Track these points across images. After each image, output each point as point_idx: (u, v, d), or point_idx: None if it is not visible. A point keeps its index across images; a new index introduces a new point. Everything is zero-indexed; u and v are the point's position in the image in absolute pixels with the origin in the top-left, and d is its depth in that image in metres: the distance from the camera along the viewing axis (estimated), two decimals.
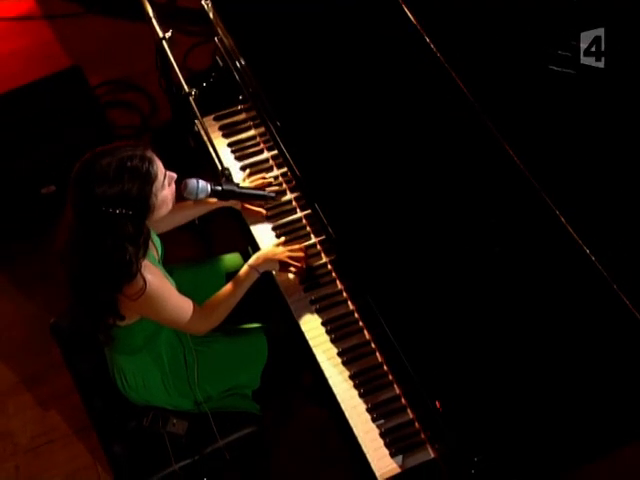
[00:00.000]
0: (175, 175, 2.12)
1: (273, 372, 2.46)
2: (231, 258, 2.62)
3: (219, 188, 2.23)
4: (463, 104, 2.34)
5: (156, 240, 2.32)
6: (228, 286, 2.33)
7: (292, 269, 2.37)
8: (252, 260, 2.35)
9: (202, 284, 2.48)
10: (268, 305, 2.51)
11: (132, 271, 2.04)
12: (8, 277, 3.17)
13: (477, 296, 2.16)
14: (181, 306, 2.21)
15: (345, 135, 2.43)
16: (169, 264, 2.43)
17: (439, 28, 2.45)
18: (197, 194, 2.20)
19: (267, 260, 2.35)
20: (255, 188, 2.40)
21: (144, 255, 2.08)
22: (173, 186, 2.12)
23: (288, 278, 2.41)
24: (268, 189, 2.43)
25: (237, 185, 2.30)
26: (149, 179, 2.02)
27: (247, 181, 2.46)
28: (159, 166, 2.07)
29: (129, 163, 1.99)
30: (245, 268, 2.34)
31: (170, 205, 2.12)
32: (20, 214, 3.08)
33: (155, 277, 2.11)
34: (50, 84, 3.17)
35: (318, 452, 2.83)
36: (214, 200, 2.44)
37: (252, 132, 2.66)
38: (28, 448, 2.89)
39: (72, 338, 2.55)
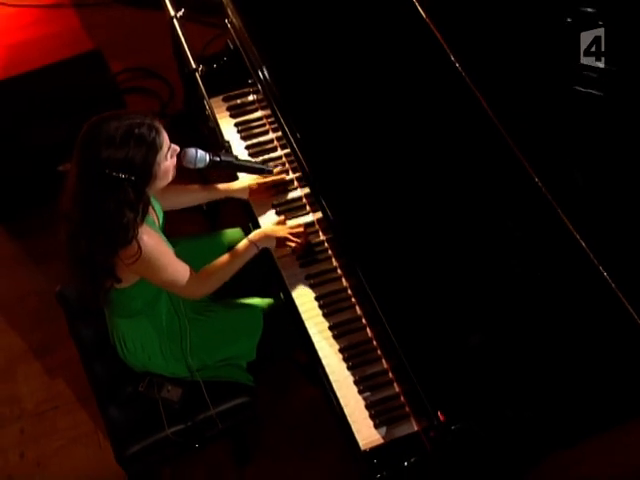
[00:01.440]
0: (178, 148, 2.14)
1: (268, 346, 2.47)
2: (233, 233, 2.63)
3: (217, 159, 2.25)
4: (476, 110, 2.32)
5: (157, 207, 2.33)
6: (226, 256, 2.35)
7: (291, 245, 2.37)
8: (252, 235, 2.36)
9: (203, 255, 2.47)
10: (266, 281, 2.52)
11: (128, 236, 2.06)
12: (24, 250, 3.22)
13: (465, 281, 2.15)
14: (177, 269, 2.22)
15: (350, 121, 2.42)
16: (172, 237, 2.45)
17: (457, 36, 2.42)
18: (196, 163, 2.22)
19: (267, 237, 2.36)
20: (253, 161, 2.42)
21: (142, 221, 2.10)
22: (175, 159, 2.14)
23: (286, 254, 2.42)
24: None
25: (236, 157, 2.32)
26: (154, 148, 2.04)
27: (246, 155, 2.47)
28: (165, 137, 2.09)
29: (137, 130, 2.01)
30: (245, 242, 2.36)
31: (170, 177, 2.14)
32: (37, 189, 3.13)
33: (151, 238, 2.13)
34: (71, 66, 3.23)
35: (312, 432, 2.83)
36: (223, 187, 2.47)
37: (259, 114, 2.68)
38: (34, 413, 2.92)
39: (77, 305, 2.59)
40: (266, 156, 2.57)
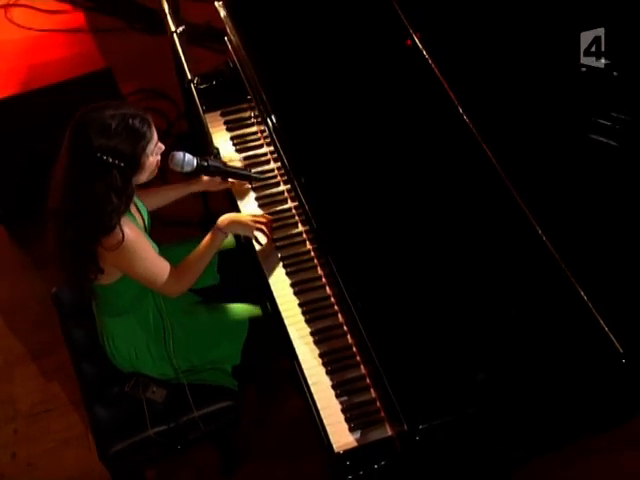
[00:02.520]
0: (163, 147, 2.19)
1: (253, 352, 2.48)
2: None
3: (205, 163, 2.29)
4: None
5: (143, 210, 2.37)
6: (198, 249, 2.36)
7: (258, 226, 2.37)
8: (218, 221, 2.36)
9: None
10: (253, 290, 2.54)
11: (112, 223, 2.10)
12: (27, 255, 3.28)
13: (442, 296, 2.15)
14: (157, 264, 2.25)
15: (341, 137, 2.44)
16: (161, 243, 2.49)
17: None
18: (183, 166, 2.26)
19: (232, 222, 2.36)
20: (241, 168, 2.45)
21: (124, 211, 2.14)
22: (159, 157, 2.19)
23: (272, 260, 2.44)
24: None
25: (224, 163, 2.36)
26: (145, 139, 2.10)
27: (234, 162, 2.51)
28: (154, 131, 2.15)
29: (130, 120, 2.07)
30: (211, 230, 2.36)
31: (153, 173, 2.19)
32: (42, 198, 3.18)
33: (133, 232, 2.16)
34: (83, 83, 3.31)
35: (299, 442, 2.82)
36: (194, 183, 2.51)
37: (254, 128, 2.73)
38: (27, 414, 2.95)
39: (70, 307, 2.62)
40: (259, 168, 2.61)
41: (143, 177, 2.19)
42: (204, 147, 2.62)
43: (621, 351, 1.98)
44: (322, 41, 2.66)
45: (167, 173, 2.59)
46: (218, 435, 2.55)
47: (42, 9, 4.13)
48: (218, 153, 2.36)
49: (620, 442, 2.71)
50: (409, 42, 2.50)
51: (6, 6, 4.12)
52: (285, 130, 2.43)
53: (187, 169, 2.27)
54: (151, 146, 2.14)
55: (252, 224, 2.36)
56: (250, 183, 2.47)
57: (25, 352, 3.08)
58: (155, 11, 3.77)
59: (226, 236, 2.37)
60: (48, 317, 3.06)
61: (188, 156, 2.26)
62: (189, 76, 2.45)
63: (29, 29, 4.06)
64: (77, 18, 4.13)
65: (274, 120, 2.45)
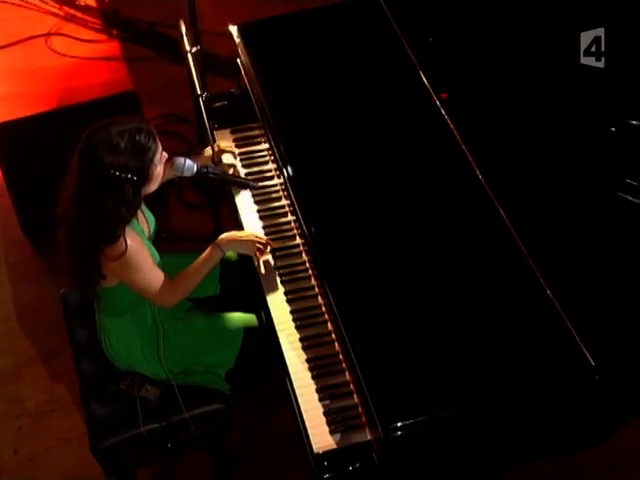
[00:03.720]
0: (167, 155, 2.26)
1: (246, 359, 2.51)
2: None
3: (205, 169, 2.35)
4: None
5: (150, 218, 2.43)
6: (195, 263, 2.39)
7: (257, 246, 2.40)
8: (218, 238, 2.40)
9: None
10: (250, 300, 2.57)
11: (117, 234, 2.16)
12: (45, 264, 3.35)
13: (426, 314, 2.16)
14: (153, 275, 2.28)
15: (342, 160, 2.49)
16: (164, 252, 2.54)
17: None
18: (183, 171, 2.33)
19: (231, 240, 2.39)
20: (239, 176, 2.51)
21: (129, 221, 2.20)
22: (162, 166, 2.25)
23: (268, 269, 2.48)
24: None
25: (223, 171, 2.42)
26: (152, 151, 2.16)
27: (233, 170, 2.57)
28: (158, 143, 2.21)
29: (137, 136, 2.13)
30: (210, 246, 2.39)
31: (159, 182, 2.25)
32: None
33: (135, 244, 2.21)
34: (108, 103, 3.42)
35: (291, 454, 2.81)
36: None
37: (261, 146, 2.80)
38: (33, 413, 2.99)
39: (75, 307, 2.69)
40: (263, 183, 2.67)
41: (151, 187, 2.25)
42: None
43: (593, 364, 1.97)
44: (335, 84, 2.70)
45: None
46: (209, 438, 2.56)
47: (80, 38, 4.33)
48: (219, 161, 2.42)
49: None
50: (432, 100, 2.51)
51: (47, 35, 4.33)
52: (292, 161, 2.48)
53: (187, 174, 2.33)
54: (157, 156, 2.20)
55: (251, 244, 2.39)
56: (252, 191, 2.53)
57: (35, 354, 3.14)
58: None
59: (223, 253, 2.39)
60: (60, 322, 3.12)
61: (188, 162, 2.32)
62: (199, 91, 2.54)
63: (67, 56, 4.26)
64: (112, 47, 4.32)
65: (282, 149, 2.50)
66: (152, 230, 2.43)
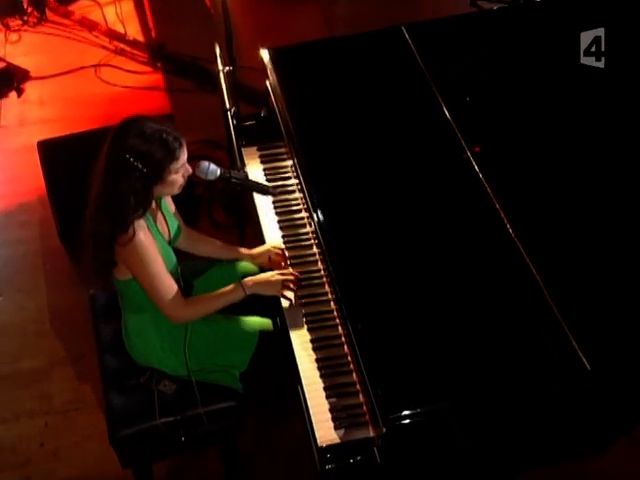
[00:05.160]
0: (191, 170, 2.32)
1: (260, 361, 2.55)
2: (245, 265, 2.70)
3: (227, 174, 2.44)
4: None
5: (172, 224, 2.49)
6: (215, 292, 2.44)
7: (287, 286, 2.43)
8: (245, 279, 2.44)
9: (214, 279, 2.63)
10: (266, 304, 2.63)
11: (127, 221, 2.21)
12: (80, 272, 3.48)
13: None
14: (162, 279, 2.31)
15: (362, 179, 2.55)
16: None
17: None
18: (207, 174, 2.41)
19: (256, 283, 2.44)
20: (260, 182, 2.60)
21: (141, 216, 2.25)
22: (184, 179, 2.30)
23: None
24: None
25: (245, 177, 2.51)
26: (172, 156, 2.22)
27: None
28: (184, 153, 2.27)
29: (164, 135, 2.20)
30: (235, 283, 2.44)
31: (175, 191, 2.31)
32: None
33: (146, 239, 2.25)
34: None
35: (299, 467, 2.83)
36: (245, 251, 2.62)
37: (285, 163, 2.90)
38: (59, 410, 3.08)
39: (102, 306, 2.78)
40: (285, 196, 2.76)
41: (165, 191, 2.30)
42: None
43: (588, 368, 1.99)
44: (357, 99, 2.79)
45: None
46: (221, 435, 2.60)
47: (127, 69, 4.53)
48: (242, 168, 2.53)
49: None
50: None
51: (97, 65, 4.54)
52: (309, 168, 2.56)
53: (210, 177, 2.42)
54: (177, 165, 2.24)
55: (277, 285, 2.42)
56: (268, 195, 2.62)
57: (65, 356, 3.23)
58: None
59: (246, 295, 2.43)
60: (89, 325, 3.22)
61: (212, 166, 2.41)
62: (227, 105, 2.66)
63: (114, 85, 4.46)
64: (156, 79, 4.51)
65: (306, 168, 2.57)
66: (172, 235, 2.49)
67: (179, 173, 2.28)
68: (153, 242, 2.31)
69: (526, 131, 2.55)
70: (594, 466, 2.40)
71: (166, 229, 2.47)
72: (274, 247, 2.61)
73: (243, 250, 2.67)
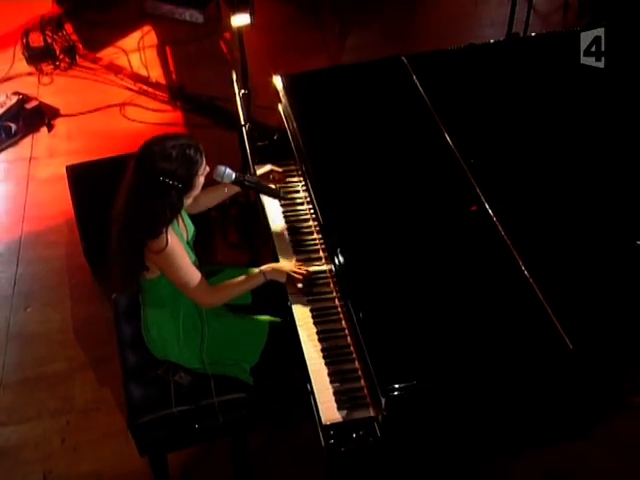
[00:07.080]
0: (208, 169, 2.50)
1: (269, 356, 2.68)
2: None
3: (242, 178, 2.61)
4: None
5: (189, 225, 2.64)
6: (239, 279, 2.60)
7: (297, 277, 2.58)
8: (264, 267, 2.60)
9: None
10: (276, 303, 2.76)
11: (160, 230, 2.37)
12: (102, 287, 3.61)
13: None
14: (189, 271, 2.46)
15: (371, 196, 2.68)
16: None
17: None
18: (223, 177, 2.58)
19: (275, 270, 2.60)
20: (272, 187, 2.75)
21: (171, 222, 2.42)
22: (204, 177, 2.48)
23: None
24: None
25: (258, 181, 2.68)
26: (198, 165, 2.41)
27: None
28: (204, 158, 2.45)
29: (187, 150, 2.38)
30: (256, 270, 2.61)
31: (199, 189, 2.48)
32: None
33: (174, 241, 2.41)
34: None
35: (308, 468, 2.89)
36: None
37: (295, 178, 3.06)
38: (80, 410, 3.19)
39: (124, 308, 2.91)
40: (294, 207, 2.92)
41: (192, 194, 2.48)
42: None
43: (570, 347, 2.10)
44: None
45: None
46: (232, 426, 2.68)
47: (149, 108, 4.76)
48: (255, 173, 2.71)
49: None
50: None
51: (122, 104, 4.77)
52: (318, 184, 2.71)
53: (226, 180, 2.59)
54: (201, 170, 2.44)
55: (290, 273, 2.57)
56: (279, 200, 2.79)
57: (87, 361, 3.34)
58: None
59: (266, 280, 2.59)
60: (109, 335, 3.34)
61: (228, 170, 2.59)
62: (242, 121, 2.85)
63: (137, 121, 4.68)
64: (175, 116, 4.73)
65: (315, 182, 2.71)
66: (190, 236, 2.63)
67: (204, 174, 2.46)
68: (179, 243, 2.47)
69: (525, 154, 2.67)
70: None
71: (185, 230, 2.62)
72: (274, 169, 2.81)
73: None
